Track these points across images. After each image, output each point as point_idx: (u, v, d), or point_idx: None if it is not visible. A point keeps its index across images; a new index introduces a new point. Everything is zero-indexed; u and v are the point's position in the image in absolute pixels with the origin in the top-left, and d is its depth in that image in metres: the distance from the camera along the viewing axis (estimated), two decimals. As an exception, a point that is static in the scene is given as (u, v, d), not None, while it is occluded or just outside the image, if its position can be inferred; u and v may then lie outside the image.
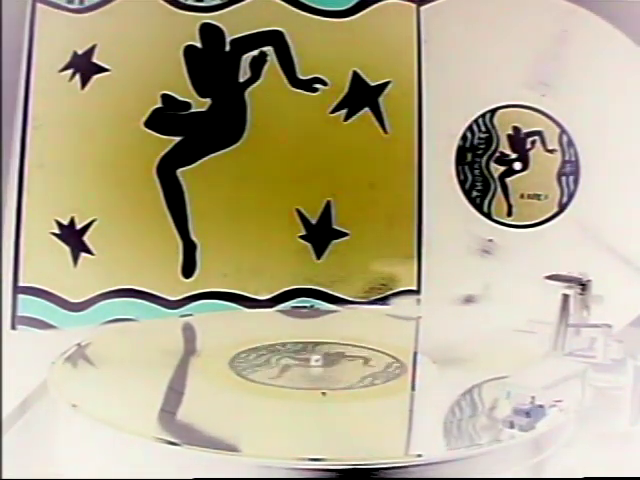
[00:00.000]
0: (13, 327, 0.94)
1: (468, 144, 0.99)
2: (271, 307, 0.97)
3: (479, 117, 0.98)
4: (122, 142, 0.96)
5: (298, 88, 0.98)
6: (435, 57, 0.99)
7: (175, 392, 0.72)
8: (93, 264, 0.95)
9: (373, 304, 0.99)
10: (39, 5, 0.95)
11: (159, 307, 0.96)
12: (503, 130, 0.98)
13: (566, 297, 0.76)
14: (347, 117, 0.99)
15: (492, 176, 0.99)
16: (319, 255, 0.99)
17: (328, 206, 0.99)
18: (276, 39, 0.98)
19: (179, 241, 0.97)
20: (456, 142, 0.99)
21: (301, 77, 0.98)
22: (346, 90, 0.99)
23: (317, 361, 0.76)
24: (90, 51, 0.95)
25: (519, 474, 0.60)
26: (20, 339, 0.92)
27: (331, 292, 0.99)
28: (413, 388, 0.73)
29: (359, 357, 0.79)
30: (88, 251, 0.95)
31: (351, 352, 0.80)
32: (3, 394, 0.68)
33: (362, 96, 0.99)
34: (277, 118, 0.98)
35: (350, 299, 0.99)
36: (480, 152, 0.99)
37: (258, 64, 0.98)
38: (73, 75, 0.95)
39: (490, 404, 0.68)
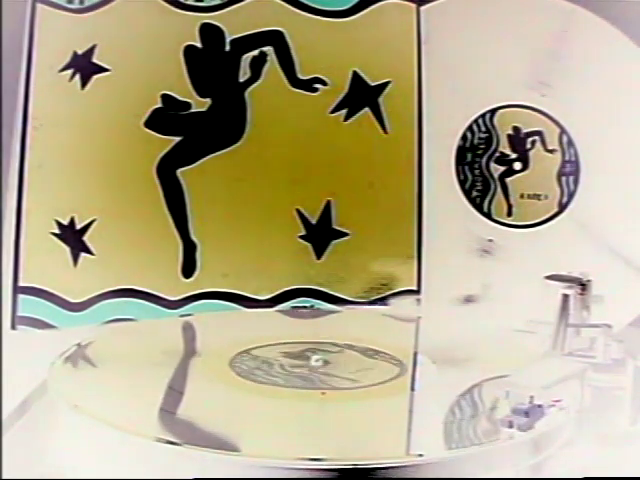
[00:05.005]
0: (13, 327, 0.93)
1: (468, 144, 0.99)
2: (271, 307, 0.97)
3: (479, 117, 0.98)
4: (122, 142, 0.96)
5: (298, 88, 0.98)
6: (435, 57, 0.99)
7: (175, 392, 0.72)
8: (93, 264, 0.95)
9: (373, 304, 0.99)
10: (39, 5, 0.95)
11: (159, 307, 0.96)
12: (503, 130, 0.98)
13: (566, 297, 0.76)
14: (347, 117, 0.99)
15: (492, 176, 0.99)
16: (319, 255, 0.99)
17: (328, 206, 0.99)
18: (276, 39, 0.98)
19: (179, 241, 0.97)
20: (456, 142, 0.99)
21: (301, 77, 0.98)
22: (346, 90, 0.99)
23: (317, 361, 0.76)
24: (90, 51, 0.95)
25: (519, 474, 0.60)
26: (20, 339, 0.91)
27: (331, 292, 0.99)
28: (413, 388, 0.73)
29: (358, 357, 0.79)
30: (88, 251, 0.95)
31: (350, 352, 0.80)
32: (3, 394, 0.68)
33: (362, 96, 0.99)
34: (277, 118, 0.98)
35: (350, 299, 0.99)
36: (480, 152, 0.99)
37: (258, 64, 0.98)
38: (73, 75, 0.95)
39: (490, 404, 0.68)
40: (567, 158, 0.97)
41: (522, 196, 0.98)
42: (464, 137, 0.99)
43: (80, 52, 0.95)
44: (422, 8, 0.99)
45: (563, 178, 0.97)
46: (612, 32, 0.94)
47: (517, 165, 0.98)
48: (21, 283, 0.94)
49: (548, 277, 0.78)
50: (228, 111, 0.98)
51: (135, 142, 0.96)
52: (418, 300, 0.99)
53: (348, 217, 0.99)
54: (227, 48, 0.98)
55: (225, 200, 0.98)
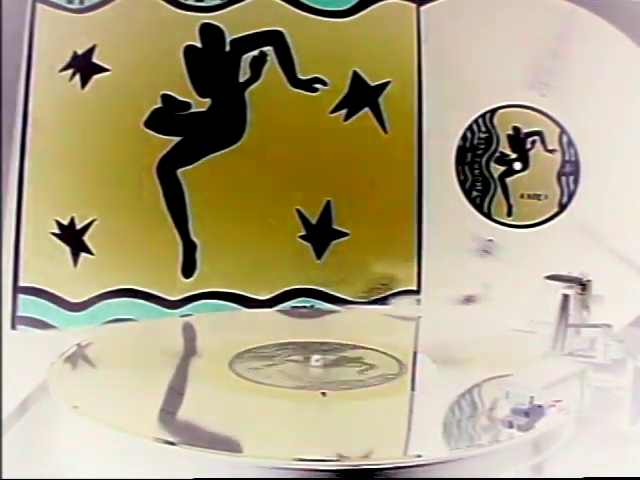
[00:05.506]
0: (13, 327, 0.93)
1: (468, 144, 0.99)
2: (271, 307, 0.97)
3: (479, 117, 0.98)
4: (122, 142, 0.96)
5: (298, 88, 0.98)
6: (435, 57, 0.99)
7: (175, 392, 0.72)
8: (93, 264, 0.95)
9: (373, 304, 0.99)
10: (39, 5, 0.95)
11: (159, 307, 0.96)
12: (503, 130, 0.98)
13: (566, 297, 0.76)
14: (347, 117, 0.99)
15: (492, 176, 0.99)
16: (319, 255, 0.99)
17: (328, 206, 0.99)
18: (276, 39, 0.98)
19: (179, 241, 0.97)
20: (456, 142, 0.99)
21: (301, 77, 0.98)
22: (346, 90, 0.99)
23: (317, 361, 0.76)
24: (90, 51, 0.95)
25: (519, 474, 0.60)
26: (20, 339, 0.91)
27: (331, 292, 0.99)
28: (413, 388, 0.73)
29: (358, 357, 0.79)
30: (88, 251, 0.95)
31: (351, 352, 0.80)
32: (3, 394, 0.68)
33: (362, 96, 0.99)
34: (277, 118, 0.98)
35: (350, 299, 0.99)
36: (480, 152, 0.99)
37: (258, 64, 0.98)
38: (73, 75, 0.95)
39: (489, 404, 0.68)
40: (567, 158, 0.97)
41: (522, 196, 0.98)
42: (464, 137, 0.99)
43: (80, 52, 0.95)
44: (422, 8, 0.99)
45: (563, 178, 0.97)
46: (612, 32, 0.94)
47: (517, 165, 0.98)
48: (21, 283, 0.94)
49: (548, 277, 0.78)
50: (228, 111, 0.98)
51: (135, 142, 0.96)
52: (418, 300, 0.99)
53: (348, 217, 0.99)
54: (227, 48, 0.98)
55: (225, 200, 0.98)
